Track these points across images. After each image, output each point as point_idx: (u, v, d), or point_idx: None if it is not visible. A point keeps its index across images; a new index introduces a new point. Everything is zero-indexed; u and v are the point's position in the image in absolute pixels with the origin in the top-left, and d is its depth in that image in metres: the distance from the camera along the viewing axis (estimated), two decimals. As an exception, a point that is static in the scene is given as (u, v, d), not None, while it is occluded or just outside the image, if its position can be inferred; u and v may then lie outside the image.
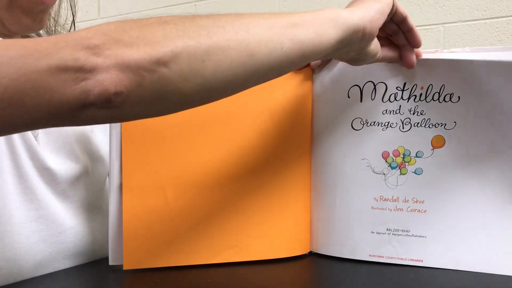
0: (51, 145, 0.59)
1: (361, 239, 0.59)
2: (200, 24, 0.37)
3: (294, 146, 0.61)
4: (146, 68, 0.33)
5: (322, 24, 0.42)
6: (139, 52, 0.33)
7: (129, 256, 0.55)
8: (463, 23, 1.15)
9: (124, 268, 0.55)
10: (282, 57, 0.40)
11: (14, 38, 0.59)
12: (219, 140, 0.57)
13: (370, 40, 0.47)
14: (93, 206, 0.64)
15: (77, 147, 0.62)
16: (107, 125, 0.66)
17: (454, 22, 1.16)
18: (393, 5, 0.49)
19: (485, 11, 1.13)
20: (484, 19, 1.13)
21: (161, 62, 0.34)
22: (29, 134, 0.55)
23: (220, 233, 0.58)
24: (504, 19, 1.11)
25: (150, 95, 0.34)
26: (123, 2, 1.71)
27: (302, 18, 0.42)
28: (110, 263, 0.56)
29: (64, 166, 0.59)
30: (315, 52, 0.42)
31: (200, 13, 1.65)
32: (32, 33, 0.62)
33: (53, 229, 0.58)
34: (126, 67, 0.33)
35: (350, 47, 0.46)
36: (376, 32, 0.47)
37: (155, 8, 1.63)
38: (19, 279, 0.53)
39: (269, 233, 0.59)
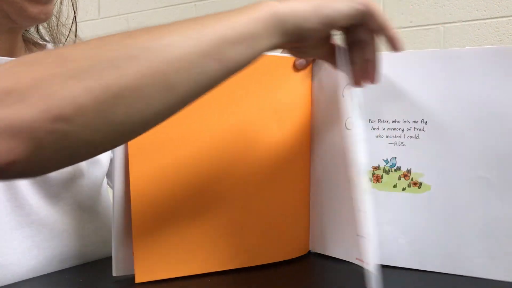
0: None
1: (349, 241, 0.58)
2: (108, 57, 0.31)
3: (295, 145, 0.61)
4: (42, 129, 0.28)
5: (256, 31, 0.36)
6: (32, 110, 0.27)
7: (141, 268, 0.52)
8: (463, 23, 1.15)
9: (136, 281, 0.52)
10: (208, 81, 0.34)
11: (19, 30, 0.58)
12: (221, 145, 0.56)
13: (310, 40, 0.40)
14: (89, 208, 0.63)
15: None
16: None
17: (454, 22, 1.16)
18: (365, 12, 0.40)
19: (485, 11, 1.13)
20: (484, 19, 1.13)
21: (60, 119, 0.28)
22: None
23: (230, 238, 0.57)
24: (504, 19, 1.11)
25: (52, 155, 0.29)
26: (123, 2, 1.71)
27: (233, 25, 0.36)
28: (114, 274, 0.52)
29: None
30: (244, 66, 0.36)
31: (200, 13, 1.66)
32: (38, 23, 0.61)
33: (45, 234, 0.57)
34: (17, 132, 0.27)
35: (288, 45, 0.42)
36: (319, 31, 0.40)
37: (155, 8, 1.63)
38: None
39: (273, 235, 0.59)
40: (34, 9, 0.53)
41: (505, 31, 1.11)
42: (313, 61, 0.60)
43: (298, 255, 0.61)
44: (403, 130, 0.54)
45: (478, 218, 0.52)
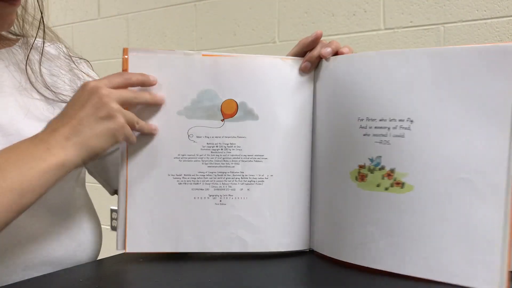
0: None
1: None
2: None
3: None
4: None
5: (49, 181, 0.50)
6: None
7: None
8: (463, 23, 1.15)
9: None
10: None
11: None
12: None
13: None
14: (61, 210, 0.62)
15: None
16: None
17: (454, 22, 1.16)
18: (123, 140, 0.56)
19: (485, 11, 1.13)
20: (484, 19, 1.13)
21: None
22: None
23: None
24: (504, 19, 1.11)
25: None
26: (123, 2, 1.71)
27: (30, 179, 0.48)
28: (118, 248, 0.59)
29: None
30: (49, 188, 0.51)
31: (199, 13, 1.65)
32: (11, 9, 0.60)
33: (14, 238, 0.55)
34: None
35: None
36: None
37: (155, 8, 1.63)
38: None
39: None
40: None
41: (505, 31, 1.11)
42: (317, 65, 0.61)
43: (297, 249, 0.63)
44: (389, 128, 0.53)
45: (459, 222, 0.50)
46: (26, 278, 0.55)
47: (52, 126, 0.52)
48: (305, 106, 0.62)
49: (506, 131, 0.48)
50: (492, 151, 0.49)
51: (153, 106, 0.58)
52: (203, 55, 0.59)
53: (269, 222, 0.61)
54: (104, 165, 0.71)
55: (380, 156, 0.54)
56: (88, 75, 0.69)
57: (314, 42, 0.61)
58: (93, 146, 0.51)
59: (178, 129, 0.59)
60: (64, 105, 0.62)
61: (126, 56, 0.58)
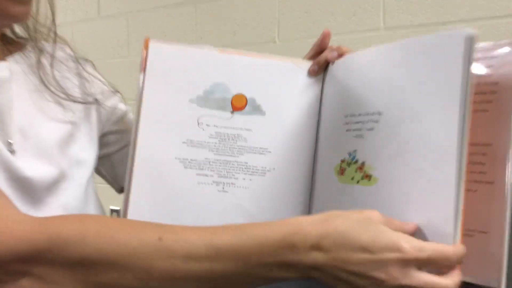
0: (30, 152, 0.57)
1: None
2: None
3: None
4: None
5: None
6: None
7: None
8: (463, 23, 1.15)
9: None
10: None
11: None
12: None
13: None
14: (77, 211, 0.62)
15: (56, 152, 0.60)
16: (91, 128, 0.66)
17: (454, 22, 1.16)
18: None
19: (485, 11, 1.13)
20: (484, 19, 1.13)
21: None
22: (1, 145, 0.54)
23: None
24: (504, 19, 1.11)
25: None
26: (123, 2, 1.71)
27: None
28: None
29: (41, 172, 0.57)
30: None
31: (200, 13, 1.65)
32: (19, 23, 0.61)
33: None
34: None
35: None
36: None
37: (155, 8, 1.63)
38: None
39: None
40: (17, 8, 0.54)
41: (505, 31, 1.11)
42: (325, 68, 0.64)
43: None
44: (363, 123, 0.54)
45: (416, 213, 0.48)
46: None
47: (317, 239, 0.41)
48: (311, 106, 0.64)
49: (455, 119, 0.45)
50: (442, 140, 0.47)
51: (167, 93, 0.60)
52: (219, 51, 0.62)
53: (268, 213, 0.62)
54: (113, 161, 0.72)
55: (356, 150, 0.55)
56: (94, 77, 0.70)
57: (323, 42, 0.64)
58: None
59: (189, 116, 0.61)
60: (73, 111, 0.63)
61: (145, 48, 0.61)
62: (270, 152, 0.62)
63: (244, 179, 0.61)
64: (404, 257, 0.39)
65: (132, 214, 0.59)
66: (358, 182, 0.54)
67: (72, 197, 0.62)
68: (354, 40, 1.27)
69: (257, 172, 0.62)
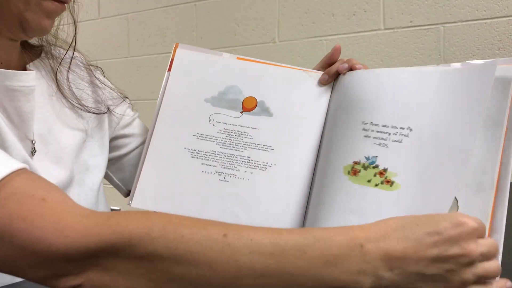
0: (50, 156, 0.59)
1: None
2: None
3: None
4: None
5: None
6: None
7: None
8: (463, 23, 1.15)
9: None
10: None
11: (17, 42, 0.59)
12: None
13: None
14: None
15: (70, 157, 0.62)
16: (103, 134, 0.68)
17: (454, 22, 1.16)
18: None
19: (485, 11, 1.13)
20: (484, 19, 1.13)
21: None
22: (24, 151, 0.55)
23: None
24: (504, 19, 1.11)
25: None
26: (123, 2, 1.71)
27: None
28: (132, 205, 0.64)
29: (56, 176, 0.58)
30: None
31: (200, 13, 1.65)
32: (43, 36, 0.62)
33: None
34: None
35: None
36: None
37: (155, 8, 1.63)
38: None
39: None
40: (48, 22, 0.56)
41: (505, 31, 1.11)
42: (336, 78, 0.69)
43: None
44: (389, 134, 0.59)
45: None
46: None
47: (377, 237, 0.40)
48: (318, 111, 0.68)
49: (500, 143, 0.52)
50: (485, 161, 0.52)
51: (186, 92, 0.68)
52: (237, 58, 0.69)
53: (265, 206, 0.65)
54: (121, 165, 0.74)
55: (377, 156, 0.59)
56: (104, 84, 0.72)
57: (333, 55, 0.69)
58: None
59: (202, 113, 0.68)
60: (86, 119, 0.65)
61: (174, 52, 0.69)
62: (273, 149, 0.67)
63: (245, 171, 0.66)
64: (468, 229, 0.39)
65: (139, 192, 0.65)
66: (376, 185, 0.58)
67: (84, 202, 0.63)
68: (354, 40, 1.27)
69: (258, 167, 0.66)
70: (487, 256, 0.40)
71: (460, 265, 0.39)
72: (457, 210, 0.51)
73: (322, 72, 0.69)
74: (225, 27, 1.48)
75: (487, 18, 1.12)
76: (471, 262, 0.39)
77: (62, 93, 0.63)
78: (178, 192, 0.66)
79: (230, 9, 1.47)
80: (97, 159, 0.66)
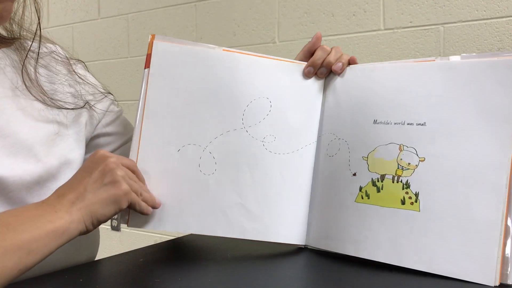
0: (6, 150, 0.55)
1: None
2: None
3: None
4: None
5: (54, 245, 0.49)
6: None
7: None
8: (463, 23, 1.15)
9: (128, 226, 0.60)
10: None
11: None
12: None
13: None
14: None
15: (40, 150, 0.58)
16: (79, 129, 0.65)
17: (454, 22, 1.16)
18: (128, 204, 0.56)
19: (485, 11, 1.13)
20: (484, 19, 1.13)
21: None
22: None
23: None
24: (504, 19, 1.11)
25: None
26: (123, 2, 1.71)
27: (37, 240, 0.48)
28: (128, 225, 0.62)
29: (19, 171, 0.56)
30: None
31: (200, 13, 1.65)
32: (2, 23, 0.60)
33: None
34: None
35: None
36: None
37: (155, 8, 1.63)
38: None
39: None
40: None
41: (505, 31, 1.11)
42: (328, 75, 0.68)
43: (293, 242, 0.65)
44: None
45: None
46: (24, 278, 0.54)
47: (60, 192, 0.53)
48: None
49: (510, 138, 0.52)
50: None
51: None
52: (223, 49, 0.65)
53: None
54: None
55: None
56: (85, 78, 0.69)
57: (315, 45, 0.67)
58: (96, 212, 0.53)
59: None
60: (61, 111, 0.62)
61: (150, 45, 0.64)
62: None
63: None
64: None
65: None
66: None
67: None
68: (354, 40, 1.27)
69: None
70: None
71: (102, 175, 0.54)
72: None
73: (302, 63, 0.67)
74: (225, 27, 1.48)
75: (487, 18, 1.12)
76: (109, 170, 0.54)
77: (26, 86, 0.60)
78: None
79: (230, 10, 1.47)
80: (74, 153, 0.63)
